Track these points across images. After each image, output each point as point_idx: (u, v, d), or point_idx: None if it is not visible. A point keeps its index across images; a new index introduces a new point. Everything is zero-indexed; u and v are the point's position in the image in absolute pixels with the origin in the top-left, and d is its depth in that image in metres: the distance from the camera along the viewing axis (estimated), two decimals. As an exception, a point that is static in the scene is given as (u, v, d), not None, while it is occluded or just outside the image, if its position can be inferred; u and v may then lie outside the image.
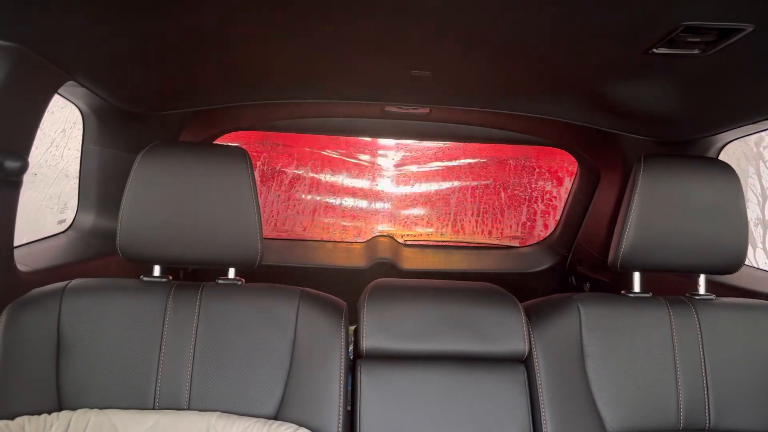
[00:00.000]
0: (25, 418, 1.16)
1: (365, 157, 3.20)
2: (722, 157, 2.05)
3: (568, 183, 3.09)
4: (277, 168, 3.05)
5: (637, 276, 1.49)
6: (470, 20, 1.13)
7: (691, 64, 1.31)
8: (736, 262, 1.43)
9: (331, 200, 3.20)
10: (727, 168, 1.44)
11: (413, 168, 3.22)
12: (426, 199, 3.24)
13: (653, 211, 1.40)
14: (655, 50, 1.21)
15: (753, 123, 1.66)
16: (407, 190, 3.23)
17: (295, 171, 3.08)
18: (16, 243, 1.38)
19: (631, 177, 1.44)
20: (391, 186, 3.23)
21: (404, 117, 2.23)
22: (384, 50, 1.35)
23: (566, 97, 1.75)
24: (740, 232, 1.41)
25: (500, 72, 1.52)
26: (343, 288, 1.69)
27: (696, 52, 1.20)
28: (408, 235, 3.28)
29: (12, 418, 1.16)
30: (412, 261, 2.83)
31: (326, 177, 3.16)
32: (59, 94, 1.64)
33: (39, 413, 1.18)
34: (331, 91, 1.81)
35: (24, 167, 1.27)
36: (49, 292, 1.29)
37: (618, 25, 1.11)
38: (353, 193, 3.21)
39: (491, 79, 1.60)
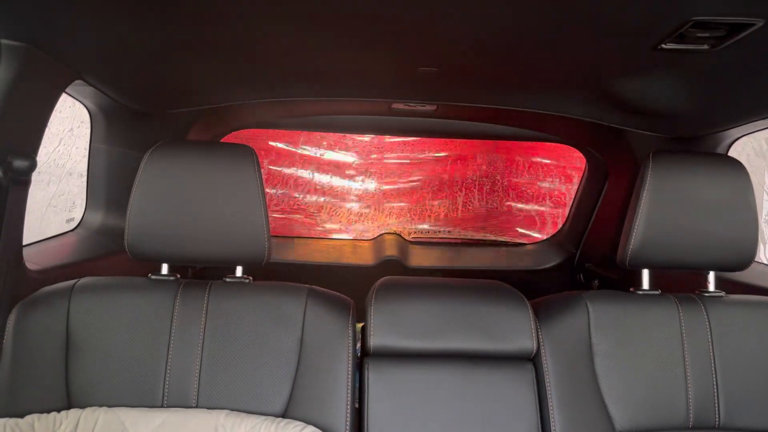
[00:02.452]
0: (35, 416, 1.17)
1: (334, 154, 3.25)
2: (732, 153, 2.03)
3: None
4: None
5: (646, 273, 1.48)
6: (478, 16, 1.12)
7: (700, 60, 1.30)
8: (746, 258, 1.42)
9: (296, 195, 3.24)
10: (736, 164, 1.43)
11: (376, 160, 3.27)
12: (395, 192, 3.28)
13: (662, 208, 1.39)
14: (664, 46, 1.20)
15: (763, 119, 1.64)
16: (371, 184, 3.28)
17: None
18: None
19: (640, 173, 1.43)
20: (356, 180, 3.29)
21: (411, 114, 2.22)
22: (391, 47, 1.35)
23: (575, 93, 1.74)
24: (750, 229, 1.39)
25: (508, 68, 1.51)
26: (350, 286, 1.69)
27: (705, 47, 1.19)
28: (414, 232, 3.28)
29: (22, 416, 1.16)
30: (419, 258, 2.83)
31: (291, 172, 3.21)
32: (67, 93, 1.64)
33: (48, 411, 1.19)
34: (338, 88, 1.81)
35: (32, 166, 1.27)
36: (58, 291, 1.29)
37: (627, 20, 1.11)
38: (317, 188, 3.25)
39: (499, 75, 1.59)
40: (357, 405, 1.33)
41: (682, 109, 1.71)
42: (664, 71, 1.41)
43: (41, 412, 1.18)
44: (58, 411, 1.20)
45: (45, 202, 3.64)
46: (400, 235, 2.98)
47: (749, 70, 1.32)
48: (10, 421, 1.13)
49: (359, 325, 1.41)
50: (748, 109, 1.60)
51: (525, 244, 3.16)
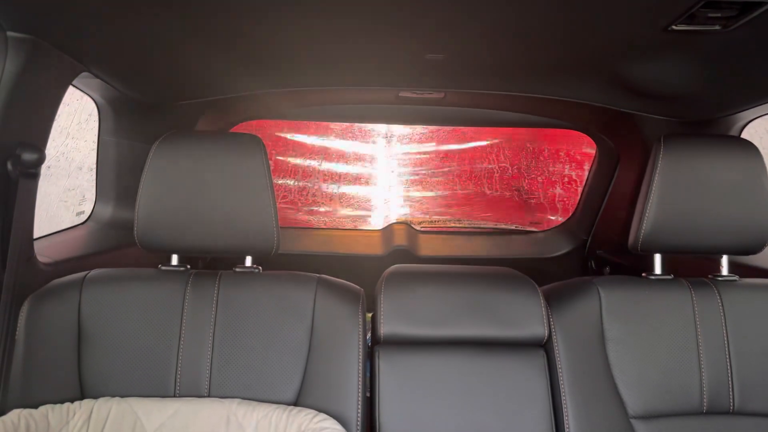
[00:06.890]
0: (48, 406, 1.18)
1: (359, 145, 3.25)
2: (745, 135, 2.01)
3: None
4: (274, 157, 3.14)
5: (658, 258, 1.46)
6: (485, 1, 1.11)
7: (711, 41, 1.28)
8: (760, 242, 1.40)
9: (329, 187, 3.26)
10: (749, 146, 1.41)
11: (411, 150, 3.26)
12: (427, 184, 3.27)
13: (674, 192, 1.38)
14: (674, 27, 1.19)
15: (776, 100, 1.62)
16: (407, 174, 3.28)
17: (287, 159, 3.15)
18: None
19: (651, 157, 1.42)
20: (389, 169, 3.28)
21: (419, 102, 2.21)
22: (398, 34, 1.33)
23: (584, 78, 1.72)
24: (764, 212, 1.38)
25: (517, 54, 1.49)
26: (360, 276, 1.69)
27: (717, 27, 1.17)
28: (423, 223, 3.27)
29: (35, 407, 1.17)
30: (428, 248, 2.82)
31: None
32: (74, 85, 1.64)
33: (62, 402, 1.20)
34: (345, 76, 1.80)
35: (41, 159, 1.28)
36: (69, 283, 1.30)
37: (637, 1, 1.09)
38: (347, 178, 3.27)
39: (507, 61, 1.57)
40: (368, 393, 1.33)
41: (693, 91, 1.69)
42: (674, 53, 1.39)
43: (55, 402, 1.19)
44: (72, 401, 1.21)
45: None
46: (410, 225, 2.98)
47: (761, 50, 1.30)
48: (24, 412, 1.14)
49: (369, 315, 1.41)
50: (761, 91, 1.58)
51: (535, 231, 3.14)
